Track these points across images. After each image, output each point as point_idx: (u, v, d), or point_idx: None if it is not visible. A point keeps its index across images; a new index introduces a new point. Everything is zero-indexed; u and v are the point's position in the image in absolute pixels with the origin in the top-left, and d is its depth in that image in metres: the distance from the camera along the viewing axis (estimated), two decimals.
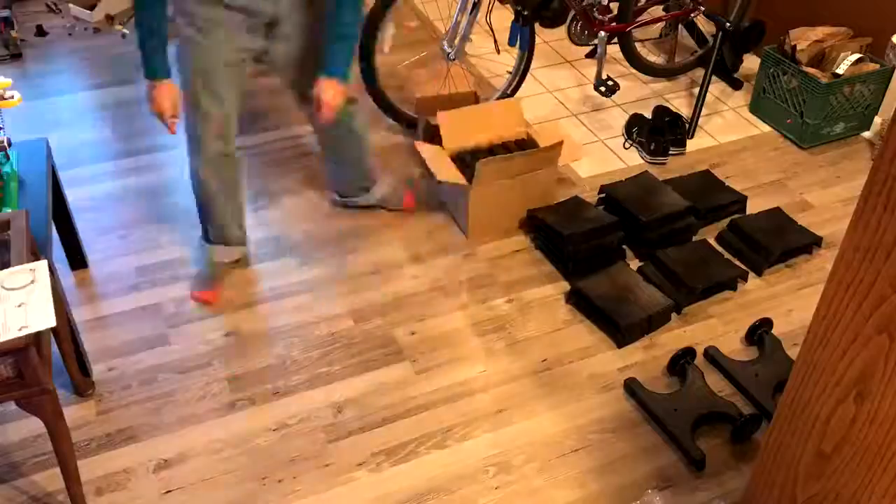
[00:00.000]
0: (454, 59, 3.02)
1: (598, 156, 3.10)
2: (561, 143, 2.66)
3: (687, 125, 3.21)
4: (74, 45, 3.77)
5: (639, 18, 3.27)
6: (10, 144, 2.12)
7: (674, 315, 2.42)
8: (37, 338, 1.61)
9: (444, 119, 2.73)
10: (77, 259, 2.50)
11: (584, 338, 2.36)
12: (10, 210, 1.92)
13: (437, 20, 3.98)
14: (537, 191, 2.69)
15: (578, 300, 2.44)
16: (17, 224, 1.73)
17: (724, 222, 2.74)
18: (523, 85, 3.20)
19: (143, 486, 1.94)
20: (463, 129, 2.76)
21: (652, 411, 2.11)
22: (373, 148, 2.71)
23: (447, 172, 2.60)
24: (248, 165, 2.98)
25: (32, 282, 1.60)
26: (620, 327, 2.30)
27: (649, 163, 3.07)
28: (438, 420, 2.12)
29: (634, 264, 2.58)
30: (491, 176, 2.56)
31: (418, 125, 3.09)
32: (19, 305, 1.56)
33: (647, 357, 2.30)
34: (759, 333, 2.31)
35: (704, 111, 3.33)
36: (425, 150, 2.70)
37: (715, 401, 2.12)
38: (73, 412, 2.10)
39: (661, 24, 3.66)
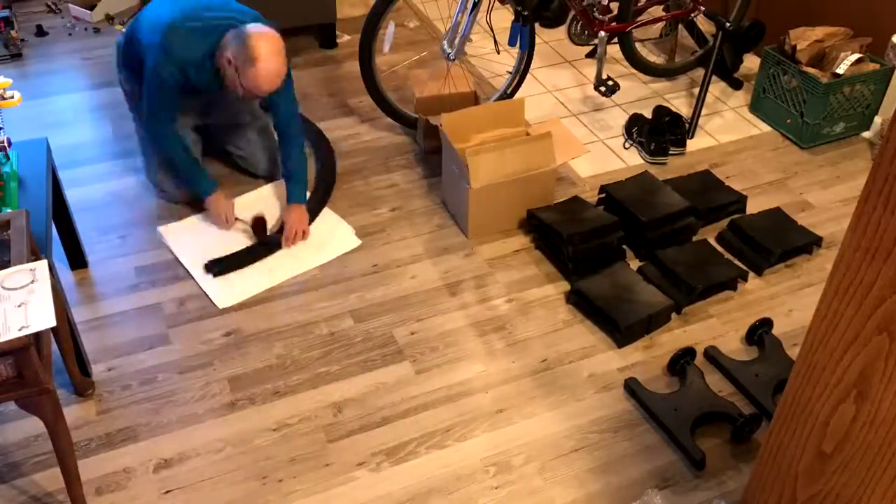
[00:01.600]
0: (454, 59, 3.02)
1: (598, 156, 3.10)
2: (549, 133, 2.66)
3: (687, 125, 3.21)
4: (74, 45, 3.77)
5: (639, 18, 3.26)
6: (10, 144, 2.12)
7: (674, 315, 2.42)
8: (37, 338, 1.61)
9: (446, 120, 2.73)
10: (77, 259, 2.50)
11: (584, 338, 2.36)
12: (10, 210, 1.92)
13: (437, 20, 3.98)
14: (537, 190, 2.69)
15: (578, 300, 2.44)
16: (17, 224, 1.73)
17: (724, 222, 2.74)
18: (523, 85, 3.20)
19: (143, 486, 1.94)
20: (465, 129, 2.75)
21: (652, 411, 2.11)
22: None
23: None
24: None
25: (32, 282, 1.60)
26: (620, 327, 2.30)
27: (649, 163, 3.07)
28: (438, 420, 2.12)
29: (634, 264, 2.58)
30: (486, 169, 2.57)
31: (418, 125, 3.09)
32: (19, 305, 1.56)
33: (647, 357, 2.30)
34: (760, 333, 2.31)
35: (704, 111, 3.33)
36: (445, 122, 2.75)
37: (715, 401, 2.12)
38: (73, 412, 2.10)
39: (661, 24, 3.66)
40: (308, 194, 2.75)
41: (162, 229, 2.67)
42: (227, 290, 2.46)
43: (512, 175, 2.62)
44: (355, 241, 2.67)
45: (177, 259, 2.57)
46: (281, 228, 2.65)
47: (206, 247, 2.60)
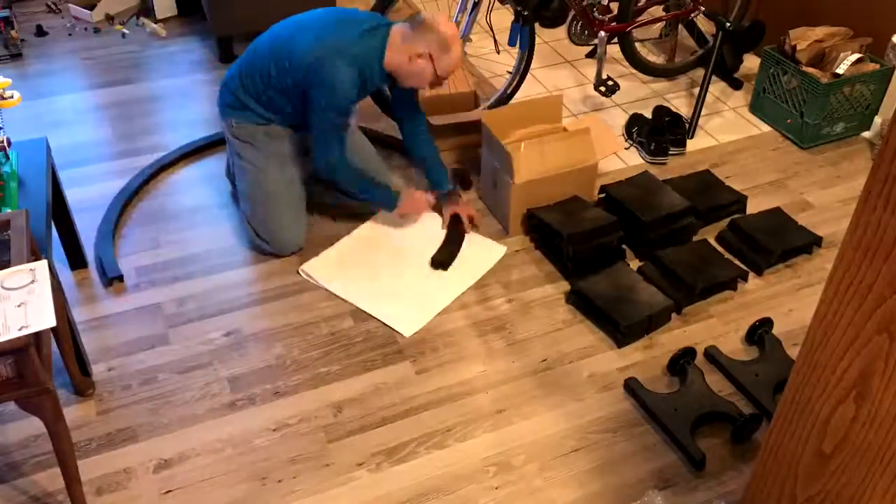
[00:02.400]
0: None
1: None
2: (587, 129, 2.68)
3: (687, 125, 3.21)
4: (74, 45, 3.78)
5: (639, 18, 3.27)
6: (10, 144, 2.12)
7: (674, 315, 2.42)
8: (37, 338, 1.61)
9: (487, 116, 2.75)
10: (77, 259, 2.50)
11: (584, 338, 2.36)
12: (10, 210, 1.92)
13: None
14: (578, 185, 2.70)
15: (578, 300, 2.44)
16: (17, 224, 1.73)
17: (724, 222, 2.74)
18: (523, 85, 3.20)
19: (143, 486, 1.94)
20: (504, 125, 2.76)
21: (652, 411, 2.11)
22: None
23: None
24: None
25: (32, 282, 1.60)
26: (620, 327, 2.30)
27: (649, 163, 3.07)
28: (438, 420, 2.12)
29: (634, 264, 2.58)
30: (528, 164, 2.58)
31: None
32: (19, 305, 1.56)
33: (647, 357, 2.30)
34: (760, 333, 2.31)
35: (704, 111, 3.33)
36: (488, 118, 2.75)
37: (715, 401, 2.12)
38: (73, 412, 2.10)
39: (661, 24, 3.66)
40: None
41: (305, 267, 2.52)
42: (409, 317, 2.38)
43: (553, 170, 2.63)
44: (501, 249, 2.62)
45: (331, 293, 2.46)
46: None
47: (359, 276, 2.50)
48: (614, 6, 3.23)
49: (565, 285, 2.52)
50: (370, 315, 2.40)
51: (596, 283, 2.43)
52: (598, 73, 3.22)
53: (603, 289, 2.41)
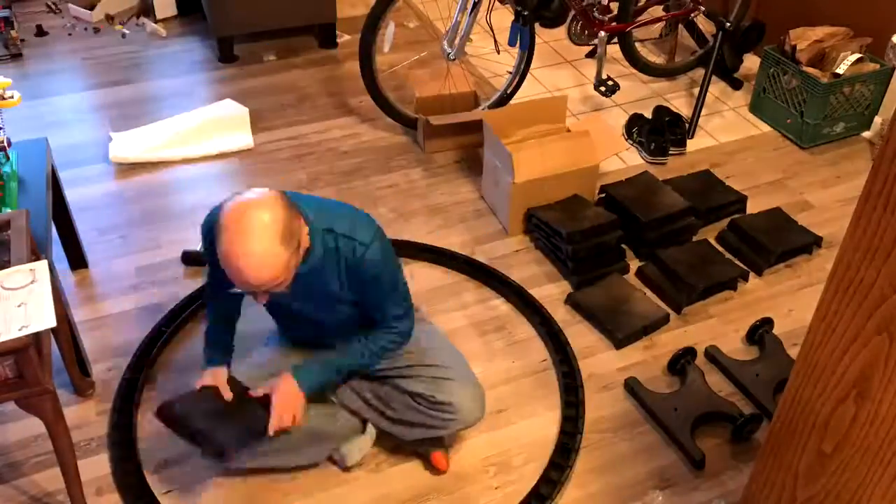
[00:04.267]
0: (454, 59, 3.02)
1: None
2: (587, 132, 2.69)
3: (687, 125, 3.21)
4: (74, 45, 3.77)
5: (639, 18, 3.26)
6: (10, 144, 2.12)
7: (674, 315, 2.42)
8: (37, 338, 1.61)
9: (489, 115, 2.75)
10: (77, 259, 2.50)
11: (584, 338, 2.36)
12: (10, 210, 1.92)
13: (437, 20, 3.98)
14: (578, 186, 2.71)
15: (577, 306, 2.44)
16: (17, 224, 1.73)
17: (724, 222, 2.74)
18: (523, 85, 3.20)
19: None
20: (506, 125, 2.76)
21: (652, 411, 2.11)
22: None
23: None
24: (247, 165, 2.99)
25: (32, 282, 1.60)
26: (617, 339, 2.31)
27: (649, 163, 3.07)
28: None
29: (635, 264, 2.58)
30: (529, 164, 2.58)
31: (418, 125, 3.09)
32: (19, 305, 1.56)
33: (647, 357, 2.30)
34: (760, 333, 2.31)
35: (704, 111, 3.33)
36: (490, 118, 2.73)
37: (715, 400, 2.12)
38: (73, 412, 2.10)
39: (661, 24, 3.66)
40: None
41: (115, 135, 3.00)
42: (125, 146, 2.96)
43: (554, 170, 2.63)
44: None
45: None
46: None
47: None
48: (614, 6, 3.23)
49: (565, 285, 2.52)
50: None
51: (591, 295, 2.43)
52: (598, 73, 3.22)
53: (598, 300, 2.41)
